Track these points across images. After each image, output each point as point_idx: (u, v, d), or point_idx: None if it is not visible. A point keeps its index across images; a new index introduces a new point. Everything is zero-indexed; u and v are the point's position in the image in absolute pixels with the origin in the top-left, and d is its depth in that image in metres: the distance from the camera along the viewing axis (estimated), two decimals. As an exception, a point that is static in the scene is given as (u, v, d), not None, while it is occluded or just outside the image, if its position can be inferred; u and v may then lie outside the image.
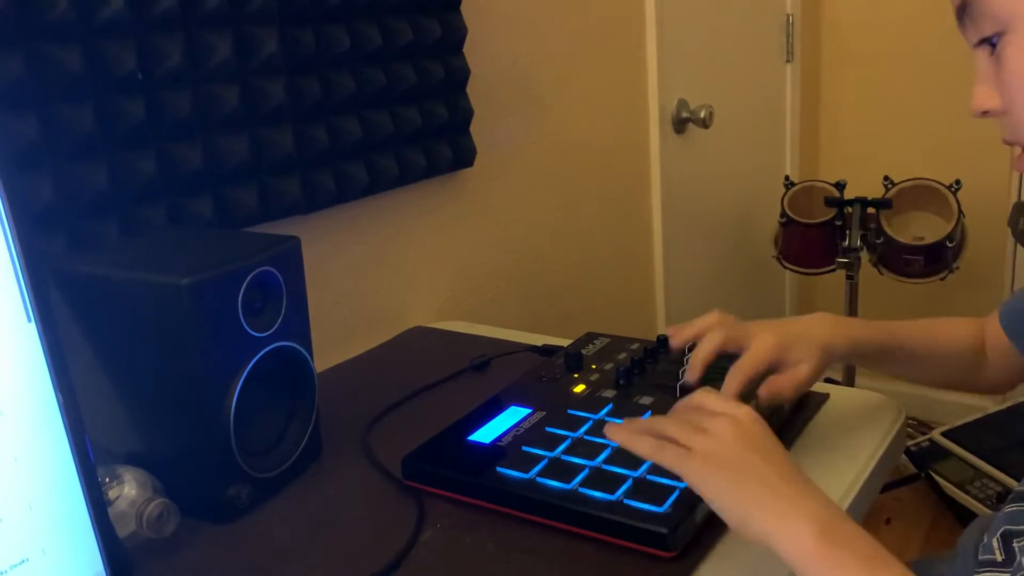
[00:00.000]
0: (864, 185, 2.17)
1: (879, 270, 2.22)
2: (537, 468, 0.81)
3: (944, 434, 2.29)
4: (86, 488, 0.63)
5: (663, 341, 1.08)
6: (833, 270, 2.21)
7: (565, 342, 1.15)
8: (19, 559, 0.59)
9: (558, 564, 0.73)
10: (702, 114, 1.98)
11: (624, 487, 0.77)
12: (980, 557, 0.77)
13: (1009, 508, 0.78)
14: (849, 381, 2.28)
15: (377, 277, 1.33)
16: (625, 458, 0.81)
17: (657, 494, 0.75)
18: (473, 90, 1.39)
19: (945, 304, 2.50)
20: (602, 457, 0.82)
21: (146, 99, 0.96)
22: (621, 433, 0.73)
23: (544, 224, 1.66)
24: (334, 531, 0.81)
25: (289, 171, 1.12)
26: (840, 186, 2.18)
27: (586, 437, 0.86)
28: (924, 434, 2.35)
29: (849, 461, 0.88)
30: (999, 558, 0.74)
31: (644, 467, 0.79)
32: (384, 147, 1.25)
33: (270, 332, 0.83)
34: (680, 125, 2.02)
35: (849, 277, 2.16)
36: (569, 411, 0.92)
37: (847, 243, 2.13)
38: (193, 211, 1.03)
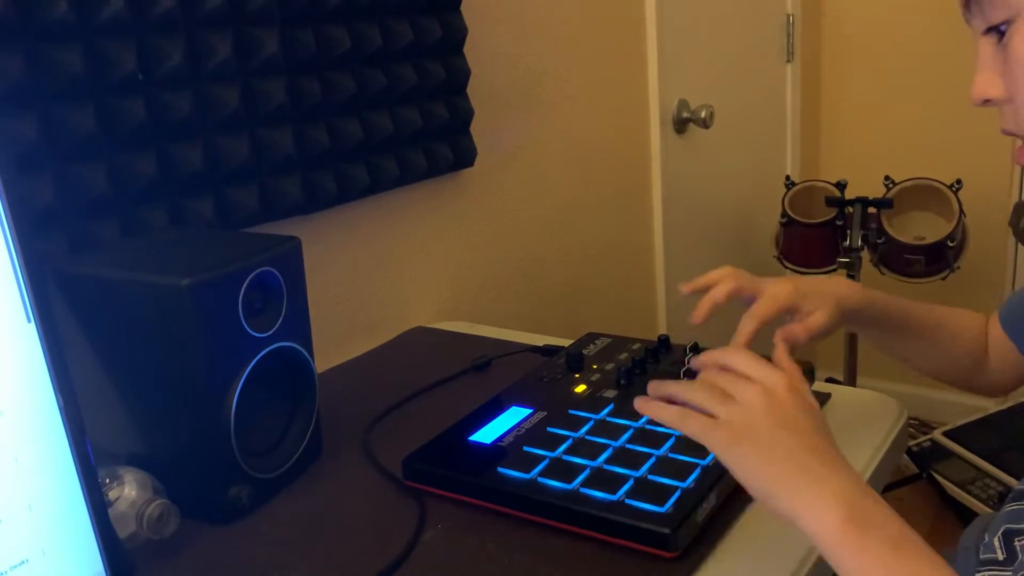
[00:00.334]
0: (865, 185, 2.16)
1: (880, 270, 2.21)
2: (538, 468, 0.81)
3: (945, 434, 2.29)
4: (86, 489, 0.63)
5: (664, 341, 1.08)
6: (834, 270, 2.21)
7: (566, 342, 1.15)
8: (19, 560, 0.59)
9: (559, 564, 0.73)
10: (703, 114, 1.98)
11: (626, 487, 0.76)
12: (981, 556, 0.77)
13: (1010, 507, 0.77)
14: (851, 381, 2.27)
15: (378, 277, 1.33)
16: (626, 458, 0.81)
17: (659, 494, 0.75)
18: (473, 90, 1.39)
19: (946, 304, 2.50)
20: (603, 457, 0.82)
21: (146, 100, 0.96)
22: (648, 405, 0.71)
23: (545, 224, 1.66)
24: (335, 532, 0.81)
25: (289, 172, 1.12)
26: (841, 186, 2.18)
27: (587, 437, 0.86)
28: (925, 434, 2.35)
29: (851, 461, 0.87)
30: (1001, 557, 0.74)
31: (645, 467, 0.79)
32: (384, 147, 1.25)
33: (270, 333, 0.83)
34: (681, 125, 2.02)
35: (850, 277, 2.16)
36: (570, 411, 0.92)
37: (848, 243, 2.13)
38: (193, 212, 1.03)
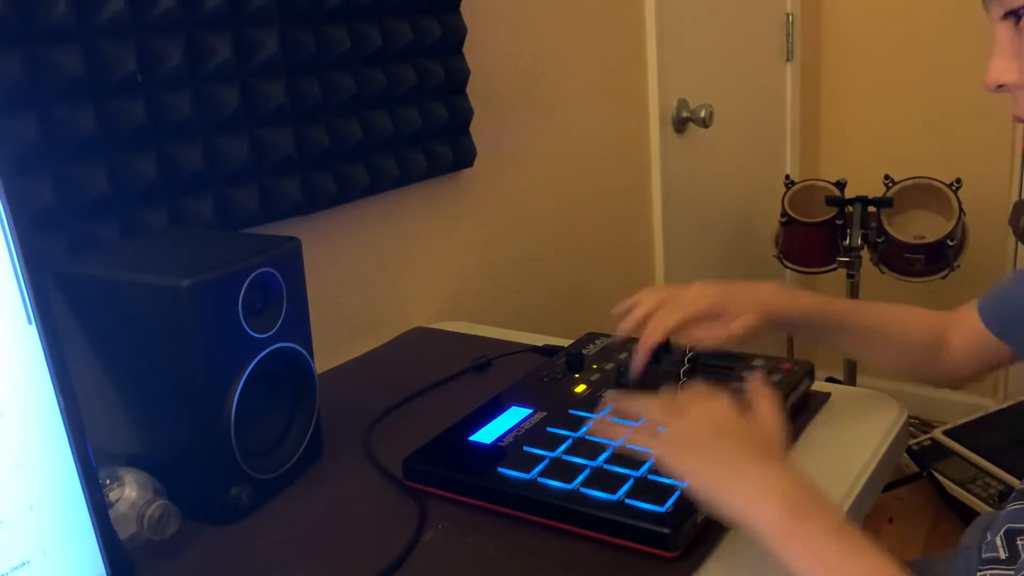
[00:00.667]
0: (865, 184, 2.16)
1: (880, 269, 2.21)
2: (538, 468, 0.81)
3: (946, 433, 2.29)
4: (87, 490, 0.63)
5: (664, 341, 1.08)
6: (834, 269, 2.21)
7: (566, 342, 1.15)
8: (20, 561, 0.59)
9: (560, 564, 0.73)
10: (702, 113, 1.98)
11: (626, 487, 0.77)
12: (983, 555, 0.77)
13: (1012, 506, 0.77)
14: (851, 380, 2.27)
15: (378, 278, 1.33)
16: (626, 458, 0.81)
17: (659, 494, 0.75)
18: (473, 90, 1.39)
19: (946, 303, 2.48)
20: (603, 457, 0.82)
21: (146, 100, 0.96)
22: (600, 424, 0.78)
23: (544, 224, 1.66)
24: (335, 532, 0.81)
25: (289, 172, 1.12)
26: (841, 185, 2.18)
27: (587, 437, 0.86)
28: (926, 433, 2.35)
29: (851, 460, 0.88)
30: (1003, 556, 0.74)
31: (646, 467, 0.79)
32: (384, 148, 1.25)
33: (271, 333, 0.83)
34: (680, 125, 2.02)
35: (850, 276, 2.16)
36: (570, 411, 0.92)
37: (848, 242, 2.13)
38: (193, 212, 1.03)
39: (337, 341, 1.24)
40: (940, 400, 2.52)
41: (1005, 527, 0.76)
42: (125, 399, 0.83)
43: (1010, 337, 0.91)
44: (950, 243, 2.10)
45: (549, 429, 0.89)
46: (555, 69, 1.63)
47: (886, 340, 0.97)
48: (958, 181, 2.13)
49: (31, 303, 0.60)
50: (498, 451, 0.85)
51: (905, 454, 2.21)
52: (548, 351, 1.16)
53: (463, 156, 1.39)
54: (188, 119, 1.00)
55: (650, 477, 0.78)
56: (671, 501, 0.74)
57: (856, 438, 0.92)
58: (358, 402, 1.06)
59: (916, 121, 2.58)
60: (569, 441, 0.86)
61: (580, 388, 0.99)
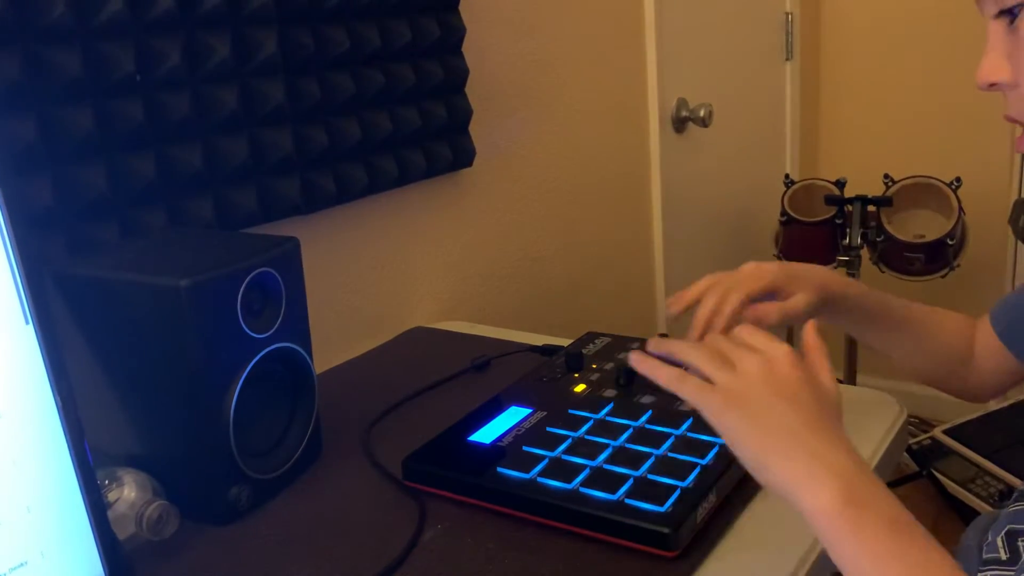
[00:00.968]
0: (864, 183, 2.16)
1: (880, 268, 2.21)
2: (538, 468, 0.81)
3: (946, 432, 2.28)
4: (85, 491, 0.63)
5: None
6: (834, 268, 2.21)
7: (565, 342, 1.15)
8: (18, 562, 0.59)
9: (559, 564, 0.73)
10: (702, 113, 1.98)
11: (625, 487, 0.76)
12: (984, 555, 0.77)
13: (1014, 507, 0.77)
14: (850, 379, 2.27)
15: (377, 277, 1.33)
16: (626, 458, 0.81)
17: (658, 494, 0.75)
18: (472, 90, 1.39)
19: (946, 302, 2.48)
20: (603, 457, 0.82)
21: (145, 101, 0.96)
22: (645, 362, 0.69)
23: (544, 224, 1.66)
24: (335, 532, 0.81)
25: (288, 172, 1.12)
26: (840, 184, 2.18)
27: (587, 437, 0.86)
28: (925, 432, 2.35)
29: (851, 459, 0.87)
30: (1004, 556, 0.74)
31: (645, 466, 0.79)
32: (383, 148, 1.25)
33: (269, 333, 0.83)
34: (680, 124, 2.02)
35: (850, 275, 2.16)
36: (570, 411, 0.92)
37: (848, 241, 2.12)
38: (192, 213, 1.02)
39: (336, 341, 1.24)
40: (940, 399, 2.50)
41: (1006, 528, 0.76)
42: (124, 399, 0.83)
43: (1013, 344, 0.91)
44: (950, 242, 2.10)
45: (549, 429, 0.89)
46: (554, 68, 1.63)
47: (920, 339, 0.95)
48: (958, 180, 2.13)
49: (29, 303, 0.59)
50: (498, 451, 0.85)
51: (905, 453, 2.21)
52: (548, 351, 1.16)
53: (462, 156, 1.39)
54: (187, 119, 1.00)
55: (650, 477, 0.78)
56: (671, 501, 0.74)
57: (856, 437, 0.90)
58: (357, 402, 1.06)
59: (915, 120, 2.58)
60: (569, 441, 0.86)
61: (580, 388, 0.99)
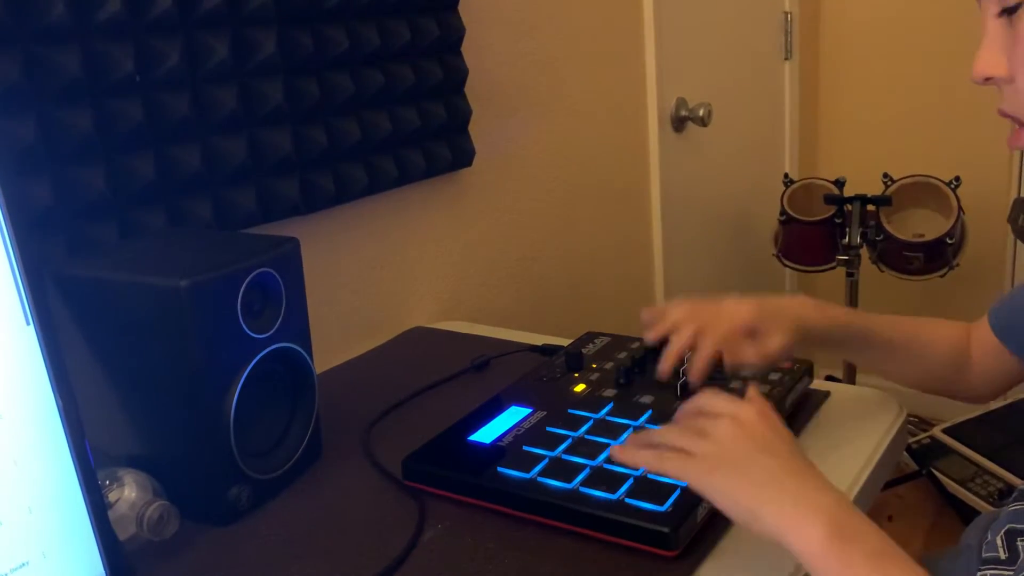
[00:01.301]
0: (863, 182, 2.16)
1: (879, 267, 2.21)
2: (538, 468, 0.81)
3: (945, 431, 2.29)
4: (86, 491, 0.63)
5: (663, 340, 1.08)
6: (833, 268, 2.21)
7: (565, 342, 1.15)
8: (19, 562, 0.59)
9: (559, 564, 0.73)
10: (701, 112, 1.98)
11: (625, 486, 0.77)
12: (984, 555, 0.77)
13: (1013, 506, 0.77)
14: (850, 379, 2.27)
15: (377, 278, 1.33)
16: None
17: (658, 493, 0.75)
18: (471, 90, 1.39)
19: (945, 301, 2.50)
20: (603, 456, 0.82)
21: (144, 101, 0.96)
22: (623, 452, 0.73)
23: (543, 223, 1.66)
24: (335, 532, 0.81)
25: (288, 172, 1.12)
26: (839, 183, 2.18)
27: (587, 436, 0.86)
28: (925, 431, 2.35)
29: (851, 459, 0.88)
30: (1003, 556, 0.74)
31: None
32: (383, 148, 1.25)
33: (269, 334, 0.83)
34: (679, 123, 2.02)
35: (849, 275, 2.16)
36: (570, 410, 0.92)
37: (847, 240, 2.12)
38: (192, 213, 1.02)
39: (336, 341, 1.24)
40: (939, 399, 2.51)
41: (1006, 527, 0.76)
42: (124, 400, 0.83)
43: (1012, 343, 0.91)
44: (949, 241, 2.10)
45: (549, 428, 0.89)
46: (553, 68, 1.63)
47: (910, 357, 0.95)
48: (957, 179, 2.13)
49: (29, 304, 0.60)
50: (498, 451, 0.85)
51: (905, 452, 2.21)
52: (547, 350, 1.16)
53: (462, 156, 1.39)
54: (186, 120, 1.00)
55: (650, 476, 0.78)
56: (671, 500, 0.74)
57: (855, 436, 0.92)
58: (357, 402, 1.06)
59: (915, 119, 2.58)
60: (569, 440, 0.86)
61: (579, 387, 0.99)
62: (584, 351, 1.08)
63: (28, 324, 0.60)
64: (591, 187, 1.77)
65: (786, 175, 2.33)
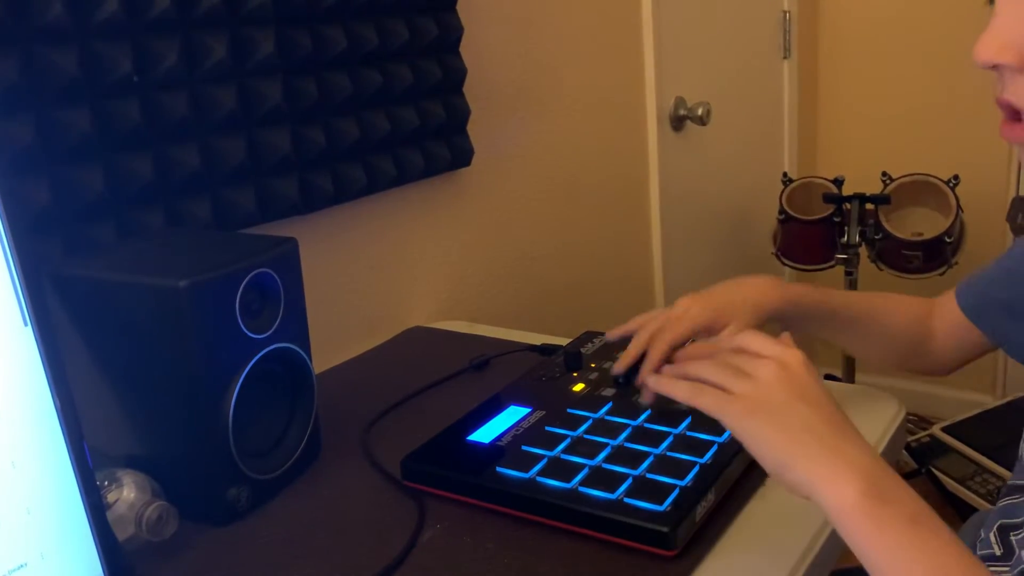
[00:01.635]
0: (862, 181, 2.16)
1: (878, 266, 2.21)
2: (537, 467, 0.81)
3: (944, 429, 2.29)
4: (84, 492, 0.63)
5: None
6: (832, 266, 2.21)
7: (564, 341, 1.15)
8: (17, 564, 0.59)
9: (559, 564, 0.73)
10: (700, 111, 1.98)
11: (624, 486, 0.76)
12: (978, 552, 0.77)
13: (1004, 501, 0.77)
14: (849, 377, 2.28)
15: (375, 277, 1.33)
16: (625, 457, 0.81)
17: (658, 493, 0.75)
18: (470, 90, 1.39)
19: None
20: (602, 456, 0.82)
21: (142, 101, 0.96)
22: (659, 381, 0.71)
23: (542, 223, 1.66)
24: (334, 532, 0.81)
25: (286, 172, 1.12)
26: (838, 182, 2.18)
27: (586, 436, 0.86)
28: (924, 430, 2.35)
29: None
30: (998, 552, 0.74)
31: (644, 466, 0.79)
32: (381, 147, 1.25)
33: (268, 334, 0.83)
34: (678, 123, 2.02)
35: (848, 273, 2.16)
36: (569, 410, 0.92)
37: (846, 239, 2.13)
38: (190, 213, 1.02)
39: (335, 341, 1.24)
40: (938, 397, 2.52)
41: (998, 523, 0.76)
42: (122, 400, 0.83)
43: (983, 323, 0.92)
44: (948, 240, 2.10)
45: (548, 428, 0.89)
46: (552, 67, 1.63)
47: (871, 330, 0.96)
48: (956, 178, 2.13)
49: (27, 305, 0.59)
50: (497, 450, 0.85)
51: (904, 451, 2.21)
52: (546, 350, 1.16)
53: (460, 155, 1.39)
54: (185, 120, 1.00)
55: (649, 476, 0.78)
56: (670, 500, 0.74)
57: (855, 435, 0.91)
58: (356, 402, 1.06)
59: (914, 118, 2.58)
60: (568, 440, 0.86)
61: (578, 387, 0.99)
62: (583, 350, 1.08)
63: (26, 325, 0.60)
64: (590, 186, 1.77)
65: (785, 174, 2.33)
